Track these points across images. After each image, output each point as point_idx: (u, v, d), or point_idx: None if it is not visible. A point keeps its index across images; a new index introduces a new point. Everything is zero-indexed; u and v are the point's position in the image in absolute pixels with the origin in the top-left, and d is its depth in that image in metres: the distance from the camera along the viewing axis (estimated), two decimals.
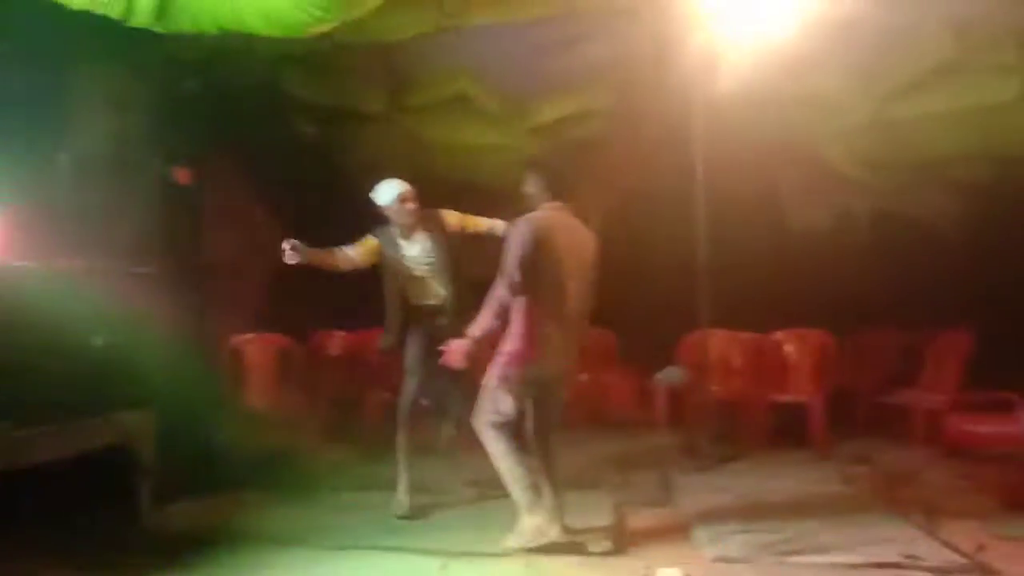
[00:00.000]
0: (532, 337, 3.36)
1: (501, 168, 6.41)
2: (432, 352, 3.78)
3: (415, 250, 4.15)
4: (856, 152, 6.48)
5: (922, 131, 5.89)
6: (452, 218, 4.14)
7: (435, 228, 4.09)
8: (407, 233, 4.12)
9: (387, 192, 4.06)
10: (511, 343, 3.40)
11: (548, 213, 3.48)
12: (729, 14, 4.60)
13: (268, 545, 3.57)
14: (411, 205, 4.06)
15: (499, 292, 3.36)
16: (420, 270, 4.15)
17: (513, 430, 3.43)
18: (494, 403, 3.42)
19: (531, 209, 3.52)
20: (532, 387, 3.43)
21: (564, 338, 3.41)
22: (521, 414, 3.44)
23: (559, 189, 3.54)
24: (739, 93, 5.44)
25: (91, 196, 4.30)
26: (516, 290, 3.33)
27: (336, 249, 4.13)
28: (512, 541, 3.43)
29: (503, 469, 3.43)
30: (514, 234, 3.40)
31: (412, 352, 4.17)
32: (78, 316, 3.72)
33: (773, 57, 5.06)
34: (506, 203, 6.94)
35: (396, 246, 4.14)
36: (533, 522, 3.39)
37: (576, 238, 3.51)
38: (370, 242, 4.16)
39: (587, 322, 3.61)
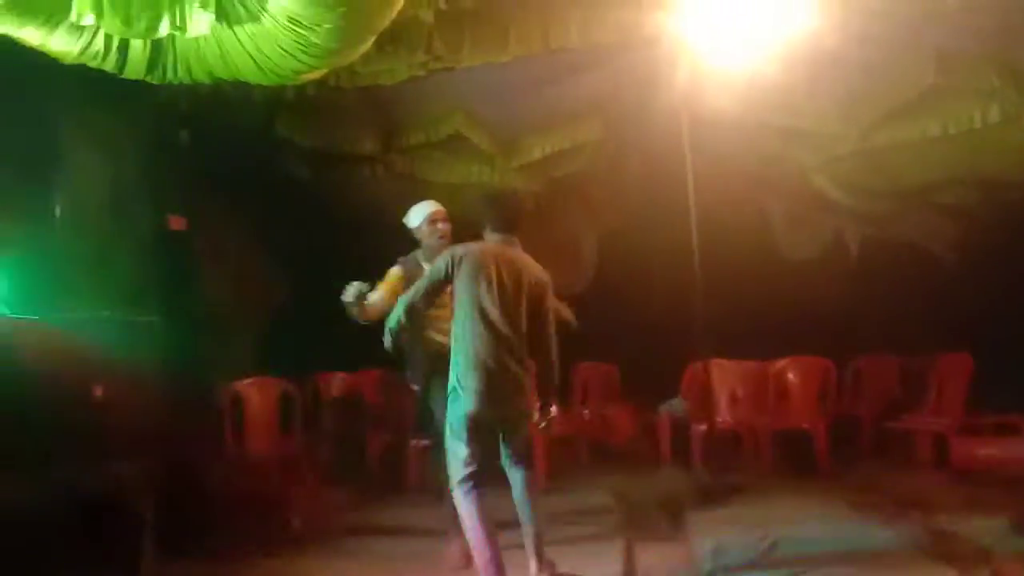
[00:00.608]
0: (460, 374, 3.28)
1: None
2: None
3: None
4: (844, 180, 6.54)
5: (908, 157, 5.95)
6: None
7: None
8: (434, 257, 3.81)
9: (417, 213, 3.91)
10: (450, 377, 3.35)
11: (482, 244, 3.45)
12: (716, 47, 4.67)
13: None
14: (443, 226, 3.89)
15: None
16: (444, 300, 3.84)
17: (476, 481, 3.29)
18: (452, 453, 3.33)
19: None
20: (472, 427, 3.26)
21: (498, 373, 3.26)
22: (476, 460, 3.29)
23: (502, 221, 3.48)
24: (727, 124, 5.52)
25: (87, 245, 4.31)
26: (411, 315, 3.31)
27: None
28: None
29: (466, 531, 3.30)
30: (436, 259, 3.43)
31: (442, 406, 3.60)
32: (77, 367, 3.71)
33: (760, 88, 5.13)
34: None
35: (421, 271, 3.82)
36: None
37: (515, 270, 3.39)
38: (393, 276, 3.88)
39: (546, 358, 3.46)
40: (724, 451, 5.90)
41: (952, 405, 5.66)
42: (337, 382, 6.09)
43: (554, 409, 3.51)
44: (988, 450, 5.24)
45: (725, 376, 5.94)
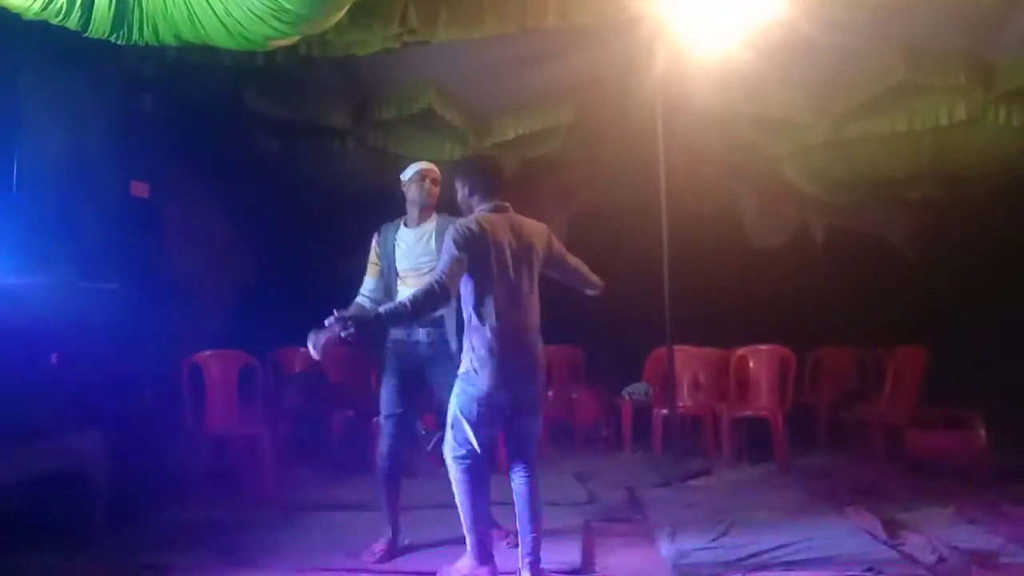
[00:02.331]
0: (479, 352, 3.11)
1: None
2: (412, 386, 3.52)
3: (411, 237, 3.68)
4: (813, 170, 6.62)
5: (875, 150, 6.04)
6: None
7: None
8: (415, 220, 3.71)
9: (411, 167, 3.76)
10: (463, 361, 3.19)
11: (487, 214, 3.21)
12: (690, 35, 4.67)
13: (224, 569, 3.47)
14: (430, 186, 3.69)
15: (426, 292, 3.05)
16: (411, 268, 3.64)
17: (481, 465, 3.17)
18: (457, 432, 3.17)
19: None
20: (487, 411, 3.13)
21: (516, 351, 3.14)
22: (488, 446, 3.19)
23: (491, 188, 3.27)
24: (702, 111, 5.54)
25: (47, 210, 4.19)
26: (444, 295, 3.05)
27: (361, 304, 3.65)
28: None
29: (459, 504, 3.19)
30: (447, 238, 3.13)
31: (389, 385, 3.64)
32: (33, 333, 3.62)
33: (732, 77, 5.16)
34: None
35: (395, 234, 3.72)
36: (467, 565, 3.21)
37: (523, 236, 3.22)
38: (372, 252, 3.76)
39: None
40: (685, 436, 5.98)
41: (906, 397, 5.79)
42: (299, 357, 6.02)
43: None
44: (940, 442, 5.37)
45: (687, 362, 6.00)
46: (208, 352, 5.11)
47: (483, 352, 3.09)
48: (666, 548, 3.67)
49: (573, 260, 3.46)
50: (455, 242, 3.06)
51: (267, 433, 5.05)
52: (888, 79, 5.23)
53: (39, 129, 4.30)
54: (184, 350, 5.02)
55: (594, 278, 3.50)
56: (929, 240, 7.33)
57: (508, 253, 3.15)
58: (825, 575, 3.27)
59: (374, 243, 3.77)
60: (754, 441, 5.82)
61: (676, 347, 5.43)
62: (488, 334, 3.09)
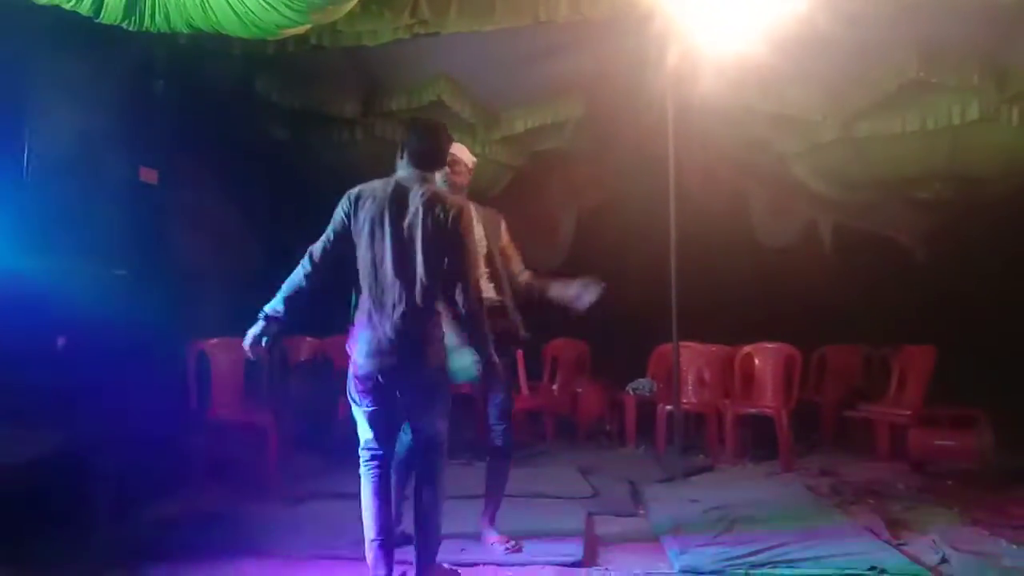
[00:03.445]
0: (354, 333, 2.96)
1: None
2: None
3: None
4: (823, 168, 6.58)
5: (887, 149, 6.00)
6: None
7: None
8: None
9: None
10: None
11: (386, 181, 3.02)
12: (703, 30, 4.64)
13: (228, 555, 3.48)
14: (454, 176, 3.45)
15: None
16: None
17: (386, 464, 3.01)
18: (357, 422, 3.02)
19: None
20: (367, 396, 2.94)
21: (379, 323, 2.89)
22: (386, 436, 3.01)
23: (419, 154, 3.04)
24: (711, 108, 5.51)
25: (57, 196, 4.20)
26: (308, 263, 2.98)
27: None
28: None
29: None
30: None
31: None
32: (40, 317, 3.64)
33: (745, 73, 5.13)
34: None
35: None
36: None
37: (424, 208, 2.91)
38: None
39: (475, 307, 2.95)
40: (689, 432, 5.98)
41: (912, 396, 5.77)
42: (305, 346, 6.03)
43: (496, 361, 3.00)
44: (945, 442, 5.35)
45: (693, 358, 6.00)
46: (214, 339, 5.13)
47: (357, 326, 2.97)
48: (669, 544, 3.68)
49: (469, 258, 3.01)
50: (335, 213, 3.03)
51: (272, 422, 5.06)
52: (902, 77, 5.20)
53: (50, 115, 4.30)
54: (190, 337, 5.04)
55: (471, 294, 2.97)
56: (939, 240, 7.29)
57: (385, 222, 2.91)
58: (827, 573, 3.26)
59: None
60: (758, 439, 5.82)
61: (681, 343, 5.43)
62: (362, 306, 2.96)
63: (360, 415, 3.01)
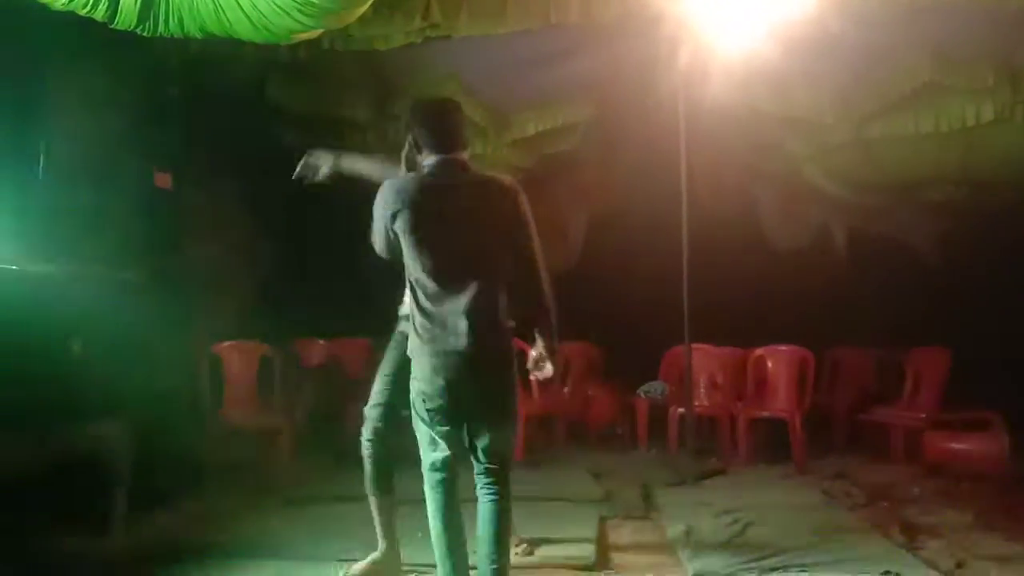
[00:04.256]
0: (412, 339, 2.68)
1: None
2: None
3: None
4: (835, 171, 6.55)
5: (899, 152, 5.97)
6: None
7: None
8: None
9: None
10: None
11: (420, 177, 2.71)
12: (714, 32, 4.64)
13: (239, 558, 3.49)
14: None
15: None
16: None
17: (443, 481, 2.70)
18: (419, 435, 2.75)
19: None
20: (426, 410, 2.65)
21: (451, 331, 2.59)
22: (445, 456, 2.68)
23: (445, 136, 2.72)
24: (721, 110, 5.50)
25: (72, 198, 4.24)
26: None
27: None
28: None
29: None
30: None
31: (384, 375, 3.18)
32: (55, 321, 3.66)
33: (755, 75, 5.12)
34: None
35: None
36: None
37: (467, 197, 2.67)
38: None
39: (542, 304, 2.72)
40: (701, 435, 5.96)
41: (927, 400, 5.73)
42: (317, 349, 6.06)
43: (548, 367, 2.75)
44: (960, 445, 5.31)
45: (705, 361, 5.98)
46: (227, 343, 5.16)
47: (415, 339, 2.67)
48: (681, 547, 3.66)
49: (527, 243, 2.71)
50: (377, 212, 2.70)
51: (284, 425, 5.08)
52: (915, 79, 5.17)
53: (65, 119, 4.35)
54: (204, 340, 5.07)
55: (536, 284, 2.71)
56: (952, 243, 7.25)
57: (434, 219, 2.62)
58: None
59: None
60: (770, 442, 5.79)
61: (693, 346, 5.41)
62: (418, 317, 2.66)
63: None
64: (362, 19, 3.88)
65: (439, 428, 2.66)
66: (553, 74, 5.65)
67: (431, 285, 2.62)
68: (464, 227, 2.65)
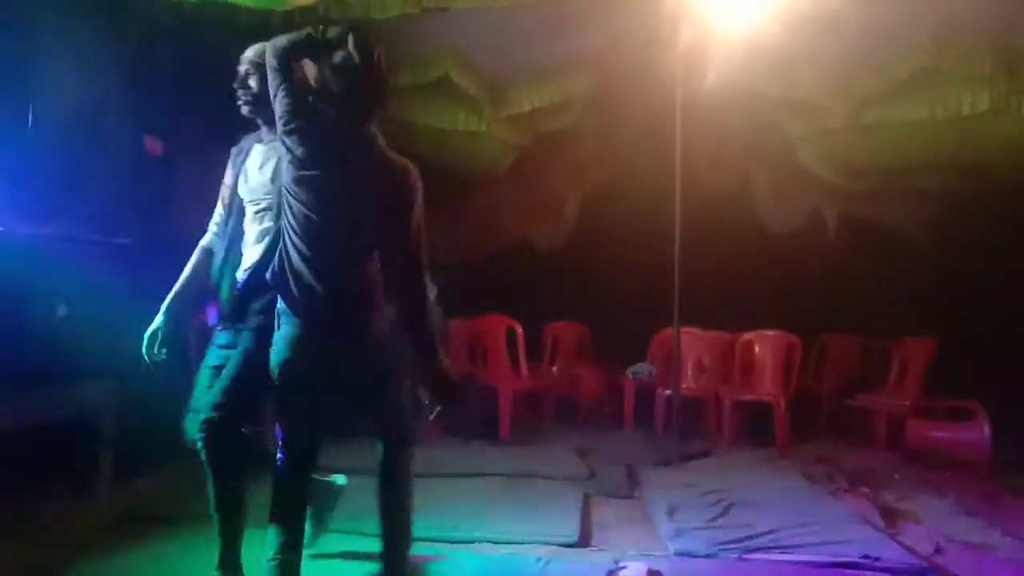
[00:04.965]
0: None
1: (472, 154, 6.37)
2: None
3: (258, 166, 2.74)
4: (829, 154, 6.53)
5: (894, 137, 5.95)
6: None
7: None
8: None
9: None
10: None
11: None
12: (715, 9, 4.60)
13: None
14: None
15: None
16: (255, 211, 2.72)
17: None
18: None
19: None
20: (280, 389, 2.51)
21: (314, 311, 2.44)
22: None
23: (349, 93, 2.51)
24: (720, 88, 5.46)
25: (61, 161, 4.17)
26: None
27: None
28: None
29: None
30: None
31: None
32: (42, 284, 3.62)
33: (755, 54, 5.08)
34: (475, 188, 6.95)
35: (243, 159, 2.81)
36: None
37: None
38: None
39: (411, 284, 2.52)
40: (687, 417, 6.00)
41: (911, 387, 5.78)
42: None
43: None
44: (942, 433, 5.36)
45: (693, 344, 6.00)
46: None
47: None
48: (664, 526, 3.69)
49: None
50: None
51: None
52: (914, 63, 5.14)
53: (55, 80, 4.26)
54: (195, 307, 5.02)
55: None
56: (944, 230, 7.27)
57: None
58: (820, 560, 3.28)
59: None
60: (755, 425, 5.83)
61: (682, 329, 5.42)
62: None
63: None
64: None
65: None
66: (551, 49, 5.58)
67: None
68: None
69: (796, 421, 5.74)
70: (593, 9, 4.77)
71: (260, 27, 4.90)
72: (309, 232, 2.42)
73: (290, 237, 2.45)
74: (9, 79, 3.91)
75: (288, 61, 2.52)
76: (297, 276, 2.43)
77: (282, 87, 2.48)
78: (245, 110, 2.83)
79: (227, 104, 3.11)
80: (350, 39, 2.51)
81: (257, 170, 2.74)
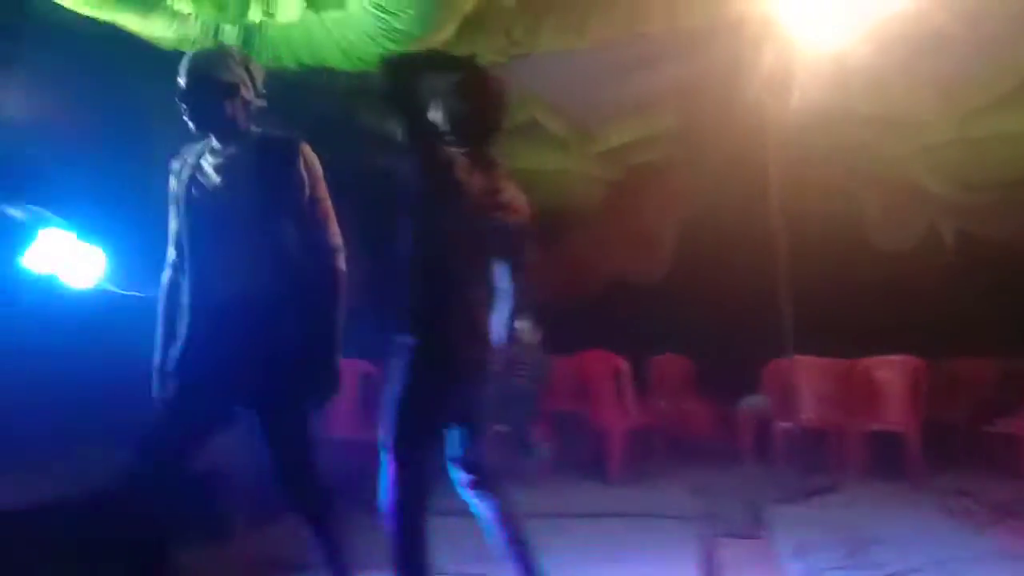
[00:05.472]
0: None
1: (564, 192, 6.42)
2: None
3: (211, 164, 2.43)
4: (940, 169, 6.27)
5: (1008, 150, 5.67)
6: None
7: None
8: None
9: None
10: None
11: None
12: (803, 33, 4.51)
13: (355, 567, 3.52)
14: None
15: None
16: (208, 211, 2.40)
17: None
18: None
19: None
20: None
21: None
22: None
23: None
24: (815, 111, 5.32)
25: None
26: None
27: None
28: None
29: None
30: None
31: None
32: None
33: (846, 74, 4.94)
34: (570, 227, 6.96)
35: (194, 159, 2.47)
36: None
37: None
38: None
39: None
40: (808, 450, 5.73)
41: None
42: None
43: None
44: None
45: (808, 373, 5.76)
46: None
47: None
48: (792, 568, 3.51)
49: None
50: None
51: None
52: (1019, 74, 4.91)
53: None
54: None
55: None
56: None
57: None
58: None
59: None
60: (882, 457, 5.50)
61: (797, 357, 5.23)
62: None
63: None
64: (446, 42, 3.96)
65: None
66: (636, 84, 5.61)
67: None
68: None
69: (927, 451, 5.39)
70: (674, 42, 4.77)
71: (356, 89, 5.14)
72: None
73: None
74: (134, 150, 4.11)
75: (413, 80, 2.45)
76: None
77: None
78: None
79: (328, 162, 3.14)
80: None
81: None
